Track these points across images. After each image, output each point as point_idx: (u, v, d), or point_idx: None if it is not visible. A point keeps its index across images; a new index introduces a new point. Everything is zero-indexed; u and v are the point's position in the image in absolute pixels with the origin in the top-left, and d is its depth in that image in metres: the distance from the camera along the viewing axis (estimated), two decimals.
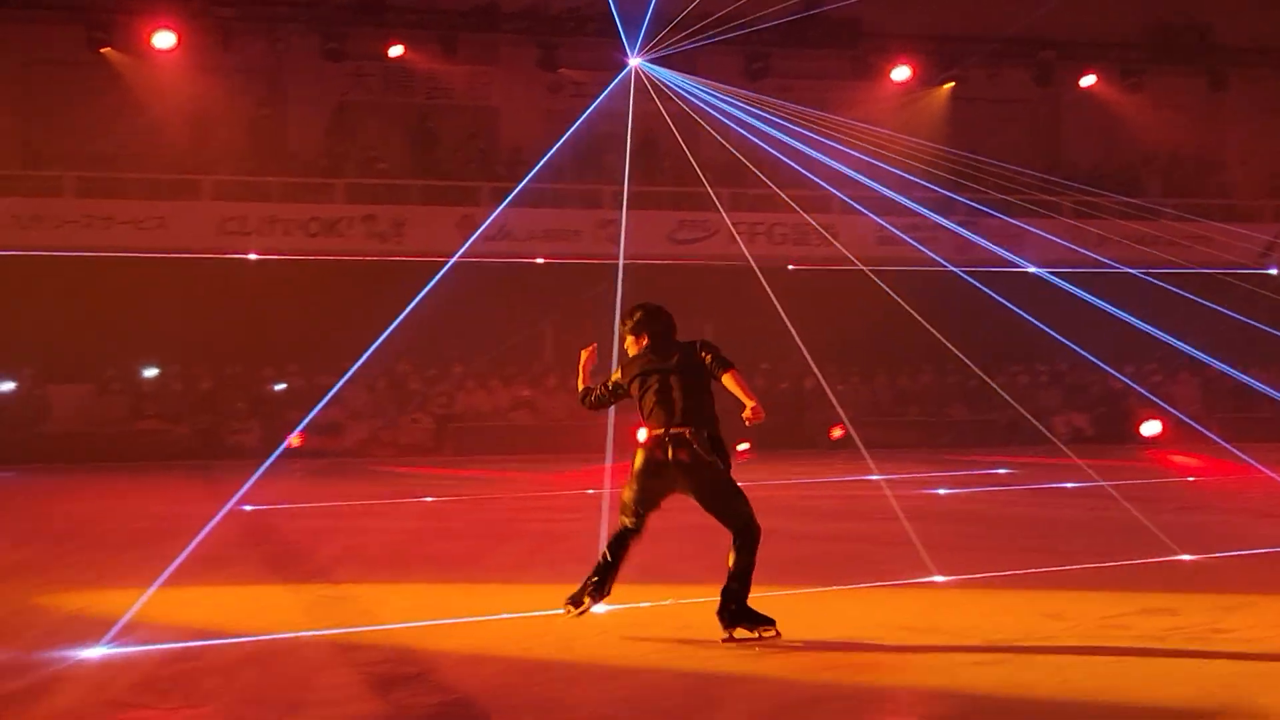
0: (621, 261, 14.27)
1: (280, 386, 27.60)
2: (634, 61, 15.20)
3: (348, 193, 28.43)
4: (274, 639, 8.04)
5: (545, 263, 28.29)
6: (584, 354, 9.14)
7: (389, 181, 29.07)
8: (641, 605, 8.96)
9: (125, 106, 28.12)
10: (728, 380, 8.62)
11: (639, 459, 8.45)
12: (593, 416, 28.60)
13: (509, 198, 24.16)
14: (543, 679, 6.97)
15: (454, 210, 28.38)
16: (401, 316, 8.98)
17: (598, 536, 13.14)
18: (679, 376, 8.55)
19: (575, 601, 8.31)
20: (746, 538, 8.27)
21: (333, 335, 27.10)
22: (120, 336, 26.63)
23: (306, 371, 27.35)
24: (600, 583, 8.31)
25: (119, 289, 26.28)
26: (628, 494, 8.47)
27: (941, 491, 18.09)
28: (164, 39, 27.30)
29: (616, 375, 8.88)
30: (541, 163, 21.08)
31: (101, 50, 27.67)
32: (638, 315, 8.88)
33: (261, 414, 26.65)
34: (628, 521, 8.43)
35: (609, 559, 8.38)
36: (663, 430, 8.39)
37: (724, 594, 8.14)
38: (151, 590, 8.93)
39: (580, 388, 9.10)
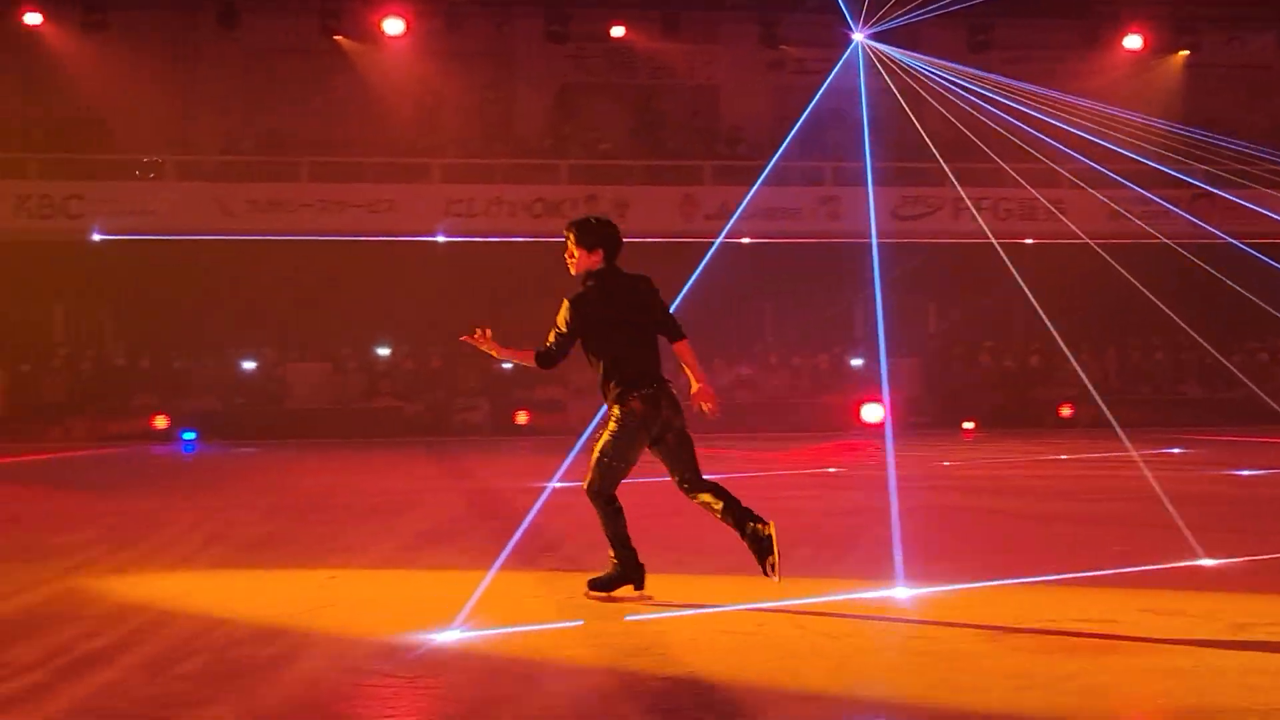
0: (875, 240, 14.11)
1: (508, 365, 28.10)
2: (858, 37, 15.05)
3: (571, 173, 28.78)
4: (506, 611, 8.20)
5: (766, 242, 28.22)
6: (484, 342, 8.34)
7: (612, 162, 29.33)
8: (861, 596, 8.88)
9: (357, 92, 28.92)
10: (682, 348, 8.24)
11: (626, 420, 7.95)
12: (814, 395, 28.52)
13: (762, 176, 24.10)
14: (774, 657, 6.95)
15: (676, 190, 28.52)
16: (683, 293, 8.66)
17: (822, 514, 13.13)
18: (644, 322, 8.15)
19: (600, 586, 8.22)
20: (717, 487, 8.16)
21: (555, 313, 27.57)
22: (354, 317, 27.45)
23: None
24: (639, 578, 8.20)
25: (353, 270, 27.06)
26: (616, 463, 8.03)
27: (1215, 473, 17.59)
28: (394, 25, 28.01)
29: (565, 315, 8.11)
30: (787, 142, 21.00)
31: (334, 38, 28.51)
32: (593, 222, 8.27)
33: (489, 392, 27.19)
34: (610, 492, 8.11)
35: (627, 550, 8.16)
36: (650, 385, 7.97)
37: (760, 543, 7.96)
38: (492, 575, 9.09)
39: (530, 360, 8.26)
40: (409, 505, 14.25)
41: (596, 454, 8.10)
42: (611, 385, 8.04)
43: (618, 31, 29.70)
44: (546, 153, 29.66)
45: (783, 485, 16.44)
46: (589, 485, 8.16)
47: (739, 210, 25.62)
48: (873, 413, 26.96)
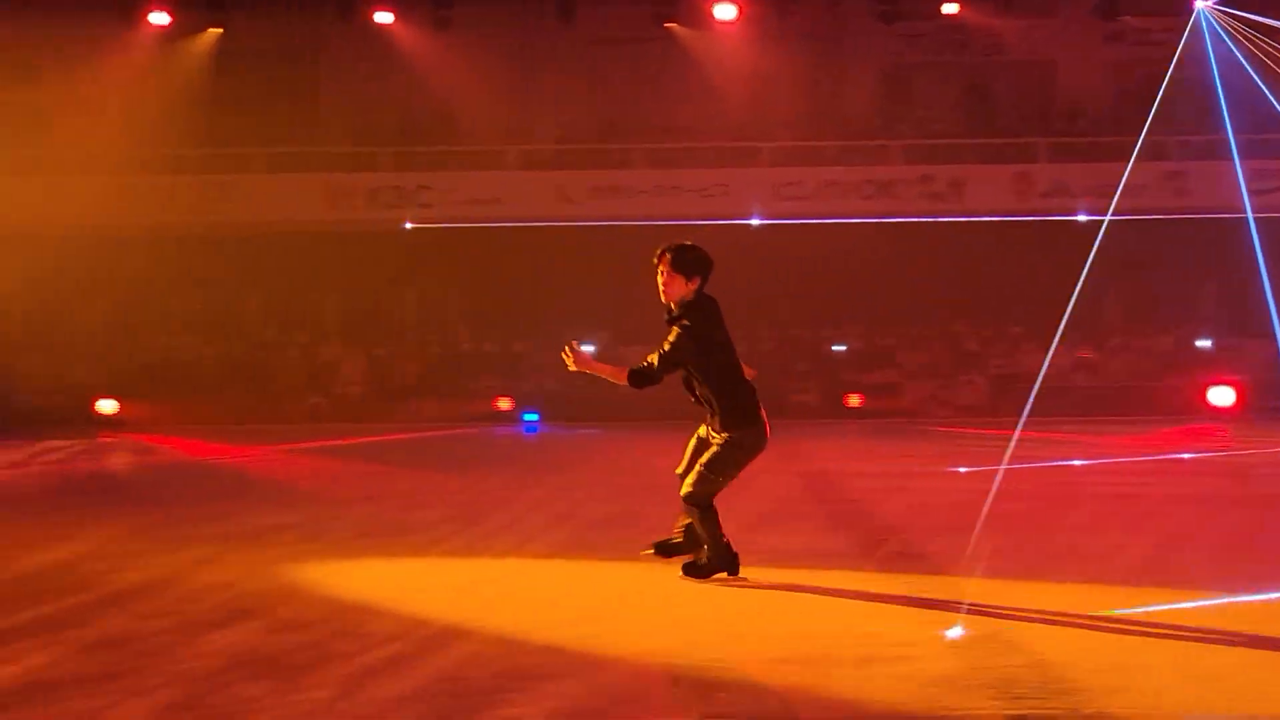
0: (1251, 215, 13.57)
1: (839, 348, 28.09)
2: (1201, 4, 14.50)
3: (903, 154, 28.51)
4: (844, 593, 8.24)
5: (1100, 219, 27.41)
6: (582, 357, 8.45)
7: (944, 141, 28.94)
8: (1218, 600, 8.58)
9: (689, 78, 29.33)
10: None
11: (743, 443, 8.17)
12: (1157, 378, 27.46)
13: (1134, 156, 23.18)
14: (1117, 651, 6.81)
15: (1010, 168, 27.97)
16: (1083, 275, 8.35)
17: (1174, 500, 12.72)
18: (733, 345, 8.30)
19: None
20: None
21: (890, 296, 27.38)
22: None
23: (867, 333, 27.76)
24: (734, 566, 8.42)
25: None
26: (721, 479, 8.22)
27: None
28: (725, 10, 28.27)
29: (681, 343, 8.09)
30: (1150, 119, 20.15)
31: (667, 26, 29.00)
32: (694, 249, 8.22)
33: (821, 374, 27.22)
34: (709, 502, 8.26)
35: (723, 542, 8.32)
36: (761, 410, 8.22)
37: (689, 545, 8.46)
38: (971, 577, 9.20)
39: (621, 378, 8.28)
40: (746, 487, 14.36)
41: (704, 470, 8.24)
42: (727, 409, 8.17)
43: (950, 9, 29.25)
44: (877, 134, 29.47)
45: (1127, 471, 15.98)
46: (690, 495, 8.30)
47: (1121, 186, 24.54)
48: (1221, 396, 25.88)
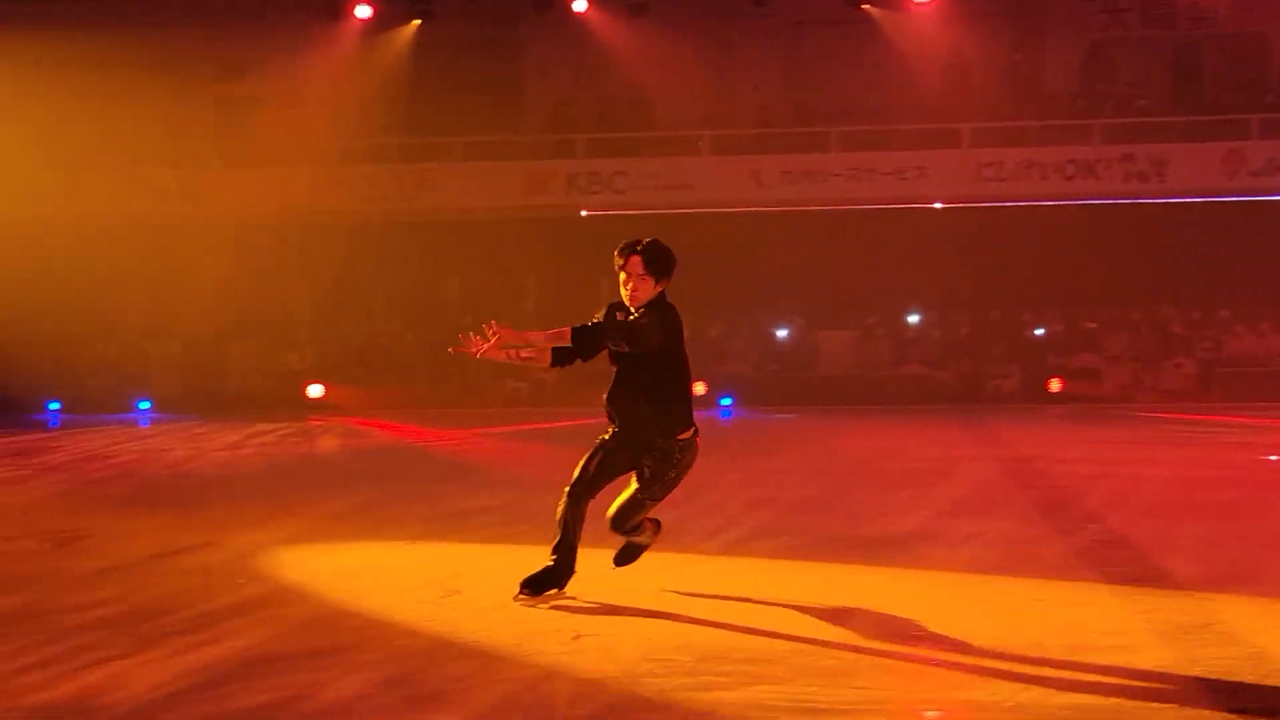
0: None
1: (1039, 331, 27.61)
2: None
3: (1105, 133, 27.84)
4: (1048, 582, 8.13)
5: None
6: (505, 335, 7.52)
7: (1147, 119, 28.19)
8: None
9: (884, 60, 29.07)
10: None
11: (685, 463, 7.58)
12: None
13: None
14: None
15: (1218, 145, 27.12)
16: None
17: None
18: None
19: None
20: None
21: (1091, 278, 26.78)
22: (882, 284, 27.59)
23: (1066, 316, 27.21)
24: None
25: (881, 238, 27.21)
26: (656, 501, 7.68)
27: None
28: None
29: (654, 319, 7.25)
30: None
31: (862, 7, 28.75)
32: (667, 249, 7.39)
33: (1020, 359, 26.76)
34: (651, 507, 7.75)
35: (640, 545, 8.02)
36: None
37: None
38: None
39: (566, 338, 7.40)
40: (947, 475, 14.23)
41: (643, 495, 7.67)
42: (676, 418, 7.54)
43: None
44: (1078, 113, 28.82)
45: None
46: (622, 524, 7.77)
47: None
48: None
